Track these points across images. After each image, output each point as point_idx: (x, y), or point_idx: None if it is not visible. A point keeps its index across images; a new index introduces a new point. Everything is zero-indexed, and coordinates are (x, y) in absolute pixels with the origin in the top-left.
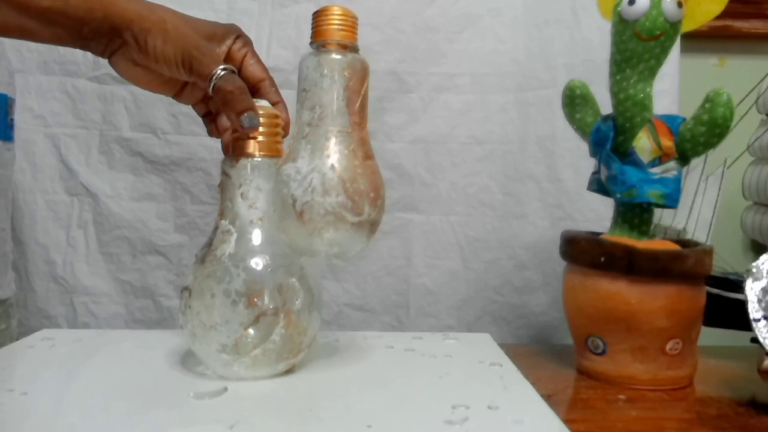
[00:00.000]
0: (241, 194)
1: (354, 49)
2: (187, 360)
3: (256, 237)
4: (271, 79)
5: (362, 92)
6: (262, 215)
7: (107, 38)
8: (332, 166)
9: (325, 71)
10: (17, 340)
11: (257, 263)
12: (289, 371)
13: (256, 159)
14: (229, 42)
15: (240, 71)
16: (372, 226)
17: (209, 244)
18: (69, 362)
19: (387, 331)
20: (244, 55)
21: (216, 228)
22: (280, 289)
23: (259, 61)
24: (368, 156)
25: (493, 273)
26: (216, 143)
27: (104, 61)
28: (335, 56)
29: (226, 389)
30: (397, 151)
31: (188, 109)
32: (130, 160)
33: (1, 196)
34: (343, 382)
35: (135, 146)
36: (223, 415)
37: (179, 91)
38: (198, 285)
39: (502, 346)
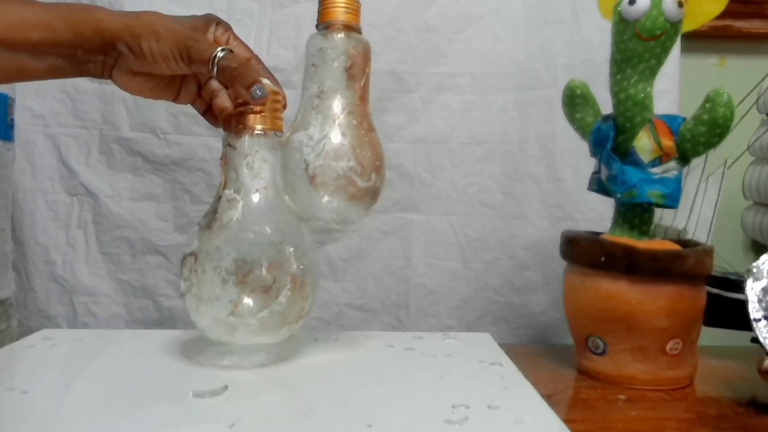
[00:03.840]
0: (247, 164)
1: (358, 30)
2: (187, 359)
3: (261, 205)
4: (256, 57)
5: (366, 71)
6: (267, 185)
7: (102, 54)
8: (343, 134)
9: (334, 50)
10: (17, 340)
11: (264, 230)
12: (289, 370)
13: (261, 131)
14: (212, 29)
15: None
16: (374, 193)
17: (213, 213)
18: (69, 362)
19: (387, 331)
20: (227, 39)
21: (219, 198)
22: (285, 254)
23: (241, 42)
24: (371, 129)
25: (493, 273)
26: (216, 143)
27: None
28: (343, 35)
29: (226, 388)
30: (397, 151)
31: (188, 109)
32: (130, 160)
33: (1, 196)
34: (343, 382)
35: (135, 146)
36: (223, 413)
37: (177, 94)
38: (205, 250)
39: (502, 346)
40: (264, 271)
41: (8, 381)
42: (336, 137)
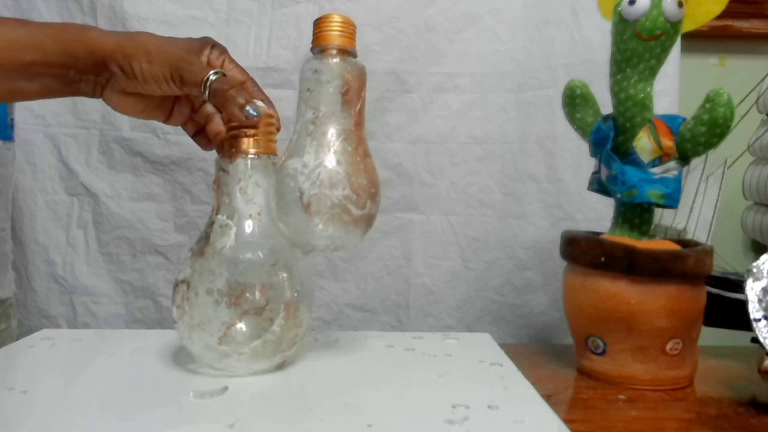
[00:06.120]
0: (240, 189)
1: (354, 54)
2: (187, 360)
3: (255, 231)
4: (252, 80)
5: (362, 95)
6: (260, 210)
7: (94, 74)
8: (338, 161)
9: (329, 74)
10: (17, 340)
11: (257, 256)
12: (288, 370)
13: (254, 155)
14: (206, 52)
15: None
16: (369, 220)
17: (206, 238)
18: (69, 362)
19: (387, 331)
20: (222, 62)
21: (212, 223)
22: (279, 281)
23: (237, 65)
24: (367, 154)
25: (493, 273)
26: None
27: None
28: (339, 60)
29: (226, 388)
30: (397, 151)
31: None
32: (130, 160)
33: (1, 196)
34: (343, 382)
35: (135, 146)
36: (223, 414)
37: (169, 114)
38: (197, 277)
39: (502, 346)
40: (257, 294)
41: (8, 381)
42: (331, 165)
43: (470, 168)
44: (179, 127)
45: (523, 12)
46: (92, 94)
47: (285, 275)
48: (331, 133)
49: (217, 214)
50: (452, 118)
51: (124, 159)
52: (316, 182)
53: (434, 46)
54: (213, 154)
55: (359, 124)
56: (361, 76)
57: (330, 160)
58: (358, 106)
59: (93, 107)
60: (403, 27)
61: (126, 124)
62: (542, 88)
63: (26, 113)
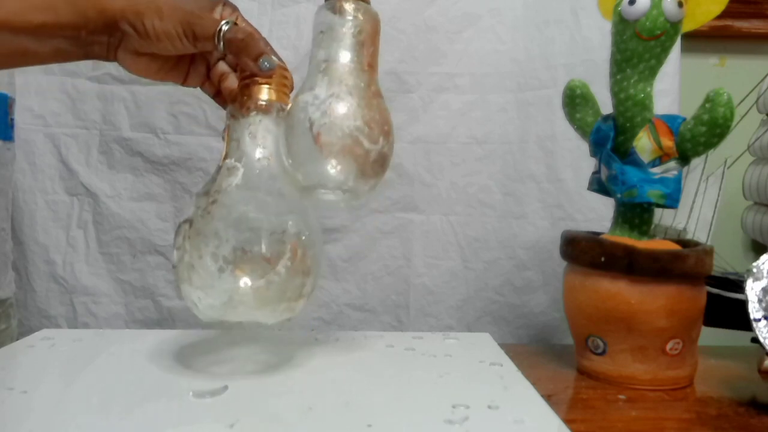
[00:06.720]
0: (249, 133)
1: (367, 0)
2: (187, 359)
3: (264, 174)
4: (264, 39)
5: (375, 41)
6: (270, 154)
7: (107, 35)
8: (350, 93)
9: (343, 15)
10: (17, 340)
11: (265, 197)
12: (288, 370)
13: (266, 101)
14: (218, 9)
15: None
16: (383, 161)
17: (213, 181)
18: (69, 362)
19: (387, 331)
20: (235, 20)
21: (220, 168)
22: (286, 225)
23: (248, 23)
24: (379, 94)
25: (493, 273)
26: (216, 143)
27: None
28: (352, 2)
29: (226, 388)
30: (397, 151)
31: (188, 109)
32: (130, 160)
33: (1, 196)
34: (343, 382)
35: (135, 146)
36: (223, 413)
37: (185, 76)
38: (201, 215)
39: (502, 346)
40: (263, 247)
41: (8, 381)
42: (343, 96)
43: (470, 168)
44: (179, 127)
45: (523, 12)
46: (105, 57)
47: (292, 221)
48: (344, 69)
49: (225, 159)
50: (452, 118)
51: (124, 159)
52: (327, 111)
53: (434, 46)
54: (213, 154)
55: (372, 66)
56: (375, 22)
57: (342, 92)
58: (372, 48)
59: (93, 107)
60: (403, 27)
61: (126, 124)
62: (542, 88)
63: (26, 113)
